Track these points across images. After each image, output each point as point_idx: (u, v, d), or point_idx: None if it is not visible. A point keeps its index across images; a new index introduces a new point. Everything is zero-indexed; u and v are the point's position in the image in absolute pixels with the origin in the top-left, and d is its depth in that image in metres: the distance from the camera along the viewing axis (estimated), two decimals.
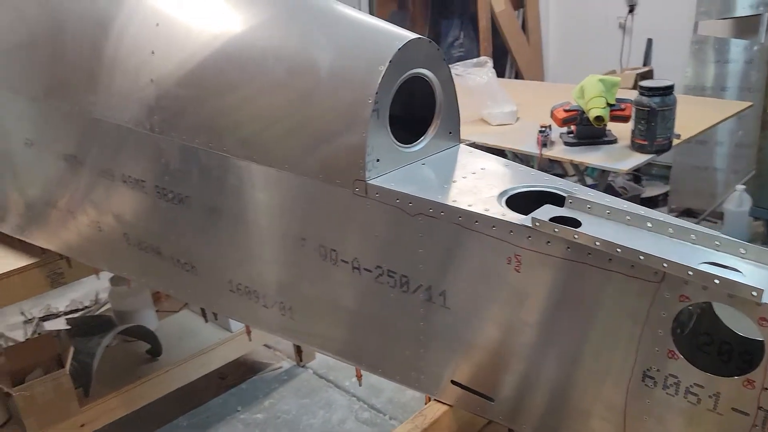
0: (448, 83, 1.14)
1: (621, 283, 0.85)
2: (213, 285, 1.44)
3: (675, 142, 2.72)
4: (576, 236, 0.85)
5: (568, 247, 0.88)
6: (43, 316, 3.61)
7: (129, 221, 1.58)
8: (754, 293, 0.71)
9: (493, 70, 3.28)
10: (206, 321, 2.63)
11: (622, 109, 2.71)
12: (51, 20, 1.57)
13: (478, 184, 1.05)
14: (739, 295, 0.73)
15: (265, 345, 3.14)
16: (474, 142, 1.13)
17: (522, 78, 4.92)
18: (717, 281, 0.74)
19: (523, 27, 5.00)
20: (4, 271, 2.07)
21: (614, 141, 2.81)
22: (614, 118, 2.75)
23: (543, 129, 2.83)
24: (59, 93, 1.57)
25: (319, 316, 1.26)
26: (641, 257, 0.80)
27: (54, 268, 2.14)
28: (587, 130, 2.78)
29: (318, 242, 1.17)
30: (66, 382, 2.23)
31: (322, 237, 1.16)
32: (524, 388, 1.01)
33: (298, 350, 3.01)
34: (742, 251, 0.80)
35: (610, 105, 2.69)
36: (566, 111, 2.77)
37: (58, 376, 2.21)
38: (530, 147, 2.87)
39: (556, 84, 4.48)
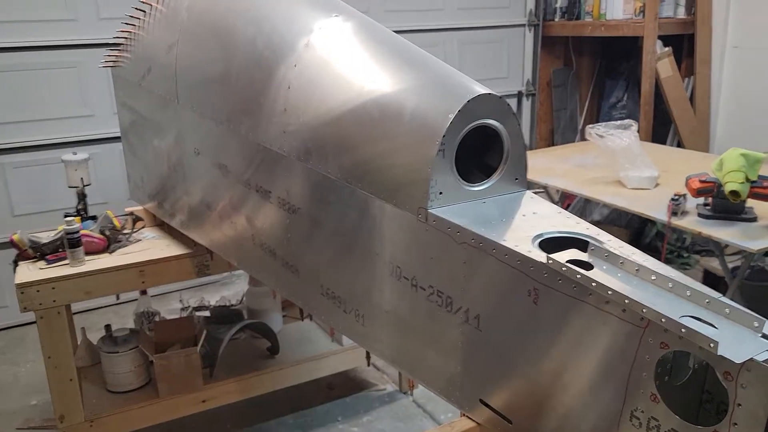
0: (517, 135, 1.28)
1: (614, 325, 0.93)
2: (309, 287, 1.68)
3: None
4: (578, 276, 0.95)
5: (575, 286, 0.97)
6: (197, 306, 4.14)
7: (256, 225, 1.88)
8: (711, 344, 0.77)
9: (637, 134, 3.27)
10: (302, 320, 2.94)
11: (764, 187, 2.58)
12: (225, 62, 1.93)
13: (522, 225, 1.17)
14: (699, 344, 0.79)
15: (375, 366, 3.34)
16: (544, 190, 1.20)
17: (683, 147, 4.73)
18: (683, 330, 0.81)
19: (692, 96, 4.83)
20: (165, 256, 2.51)
21: (753, 219, 2.68)
22: (755, 196, 2.62)
23: (676, 197, 2.77)
24: (221, 113, 1.93)
25: (384, 326, 1.43)
26: (626, 301, 0.88)
27: (202, 260, 2.53)
28: (724, 204, 2.68)
29: (388, 259, 1.36)
30: (195, 359, 2.59)
31: (391, 254, 1.35)
32: (535, 415, 1.10)
33: (405, 379, 3.17)
34: (727, 311, 0.85)
35: (750, 181, 2.59)
36: (702, 182, 2.69)
37: (190, 353, 2.59)
38: (661, 214, 2.82)
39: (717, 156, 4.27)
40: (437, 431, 1.25)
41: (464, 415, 1.27)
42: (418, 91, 1.32)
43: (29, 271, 2.33)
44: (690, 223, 2.73)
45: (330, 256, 1.57)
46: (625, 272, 0.97)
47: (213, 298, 4.29)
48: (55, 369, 2.34)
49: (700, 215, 2.75)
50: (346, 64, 1.52)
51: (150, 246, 2.60)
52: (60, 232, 2.43)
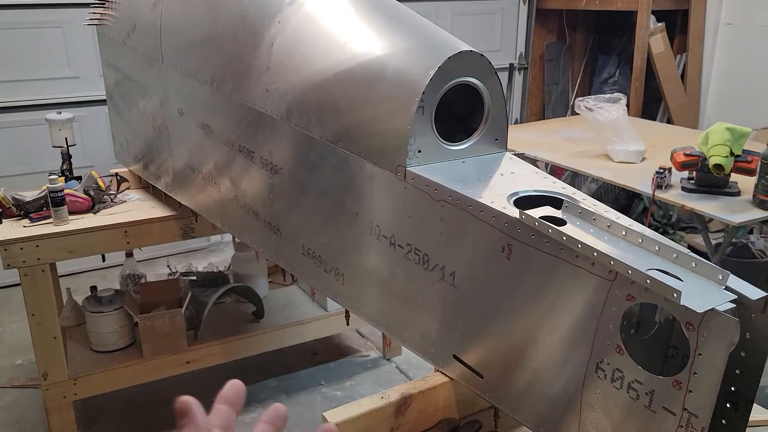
0: (498, 94, 1.28)
1: (584, 278, 0.94)
2: (291, 247, 1.69)
3: None
4: (550, 230, 0.96)
5: (547, 241, 0.99)
6: (184, 272, 4.15)
7: (239, 185, 1.87)
8: (675, 294, 0.79)
9: (625, 108, 3.27)
10: (284, 280, 2.96)
11: (748, 162, 2.60)
12: (210, 19, 1.91)
13: (499, 183, 1.18)
14: (663, 294, 0.81)
15: (359, 332, 3.38)
16: (523, 153, 1.22)
17: (672, 124, 4.74)
18: (648, 281, 0.82)
19: (683, 72, 4.83)
20: (150, 217, 2.50)
21: (737, 193, 2.70)
22: (739, 170, 2.64)
23: (661, 171, 2.79)
24: (205, 72, 1.91)
25: (362, 284, 1.44)
26: (595, 254, 0.89)
27: (187, 222, 2.53)
28: (708, 178, 2.70)
29: (368, 218, 1.36)
30: (179, 321, 2.61)
31: (371, 214, 1.35)
32: (506, 369, 1.12)
33: (387, 343, 3.20)
34: (693, 265, 0.86)
35: (735, 155, 2.60)
36: (686, 155, 2.71)
37: (174, 314, 2.60)
38: (646, 187, 2.84)
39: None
40: (412, 385, 1.28)
41: (438, 370, 1.29)
42: (401, 49, 1.31)
43: (13, 229, 2.33)
44: (674, 196, 2.75)
45: (311, 216, 1.58)
46: (597, 228, 0.98)
47: (200, 264, 4.29)
48: (39, 327, 2.35)
49: (684, 189, 2.77)
50: (330, 21, 1.50)
51: (135, 207, 2.60)
52: (44, 190, 2.42)
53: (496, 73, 1.27)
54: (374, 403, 1.21)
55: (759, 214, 2.53)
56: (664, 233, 4.72)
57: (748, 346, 0.84)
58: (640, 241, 0.92)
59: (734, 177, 2.72)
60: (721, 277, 0.83)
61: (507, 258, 1.06)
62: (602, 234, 0.97)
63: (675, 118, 4.75)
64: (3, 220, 2.40)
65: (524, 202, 1.12)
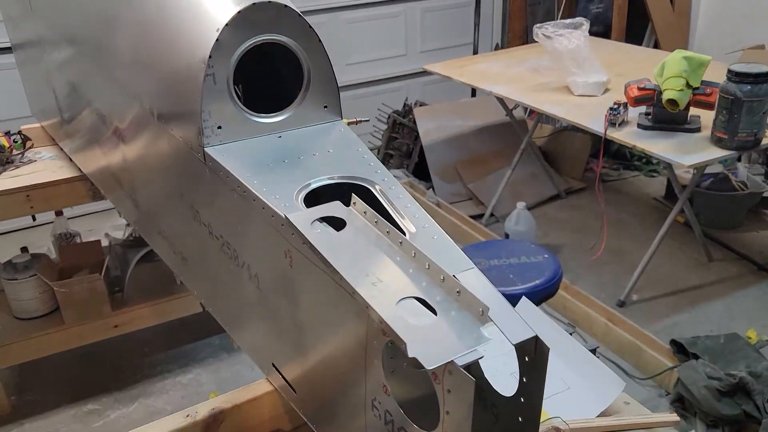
0: (319, 52, 1.06)
1: (347, 302, 0.76)
2: (149, 224, 1.52)
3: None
4: (305, 242, 0.77)
5: (315, 252, 0.80)
6: None
7: (106, 153, 1.69)
8: (402, 346, 0.61)
9: (587, 35, 2.96)
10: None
11: (707, 94, 2.33)
12: None
13: (304, 168, 0.98)
14: (396, 340, 0.63)
15: None
16: (357, 120, 1.03)
17: (659, 48, 4.38)
18: (381, 321, 0.64)
19: None
20: (54, 179, 2.33)
21: (696, 130, 2.44)
22: (698, 104, 2.38)
23: (615, 107, 2.53)
24: (61, 25, 1.69)
25: (198, 271, 1.28)
26: (341, 279, 0.71)
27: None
28: (665, 114, 2.44)
29: (188, 201, 1.18)
30: (99, 286, 2.48)
31: (191, 197, 1.17)
32: (310, 387, 0.96)
33: None
34: (457, 292, 0.67)
35: (693, 88, 2.34)
36: (640, 89, 2.44)
37: (93, 279, 2.47)
38: (599, 125, 2.59)
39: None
40: (226, 398, 1.13)
41: (267, 379, 1.14)
42: (203, 4, 1.09)
43: None
44: (627, 134, 2.51)
45: (154, 193, 1.40)
46: (377, 234, 0.79)
47: None
48: None
49: (639, 126, 2.52)
50: None
51: (42, 168, 2.42)
52: None
53: (311, 27, 1.04)
54: (176, 422, 1.07)
55: (716, 153, 2.29)
56: (647, 163, 4.45)
57: (525, 391, 0.67)
58: (413, 254, 0.73)
59: (695, 111, 2.46)
60: (481, 312, 0.64)
61: (290, 265, 0.88)
62: (381, 243, 0.78)
63: (662, 40, 4.38)
64: None
65: (322, 193, 0.92)
